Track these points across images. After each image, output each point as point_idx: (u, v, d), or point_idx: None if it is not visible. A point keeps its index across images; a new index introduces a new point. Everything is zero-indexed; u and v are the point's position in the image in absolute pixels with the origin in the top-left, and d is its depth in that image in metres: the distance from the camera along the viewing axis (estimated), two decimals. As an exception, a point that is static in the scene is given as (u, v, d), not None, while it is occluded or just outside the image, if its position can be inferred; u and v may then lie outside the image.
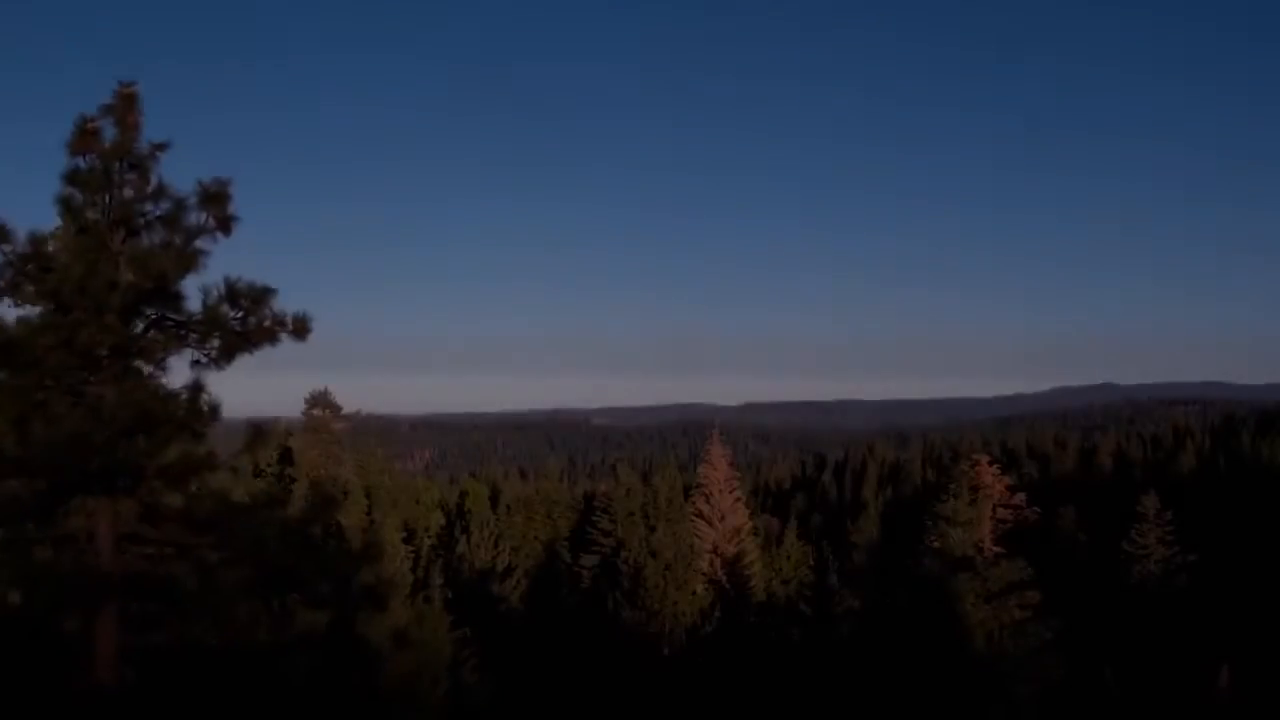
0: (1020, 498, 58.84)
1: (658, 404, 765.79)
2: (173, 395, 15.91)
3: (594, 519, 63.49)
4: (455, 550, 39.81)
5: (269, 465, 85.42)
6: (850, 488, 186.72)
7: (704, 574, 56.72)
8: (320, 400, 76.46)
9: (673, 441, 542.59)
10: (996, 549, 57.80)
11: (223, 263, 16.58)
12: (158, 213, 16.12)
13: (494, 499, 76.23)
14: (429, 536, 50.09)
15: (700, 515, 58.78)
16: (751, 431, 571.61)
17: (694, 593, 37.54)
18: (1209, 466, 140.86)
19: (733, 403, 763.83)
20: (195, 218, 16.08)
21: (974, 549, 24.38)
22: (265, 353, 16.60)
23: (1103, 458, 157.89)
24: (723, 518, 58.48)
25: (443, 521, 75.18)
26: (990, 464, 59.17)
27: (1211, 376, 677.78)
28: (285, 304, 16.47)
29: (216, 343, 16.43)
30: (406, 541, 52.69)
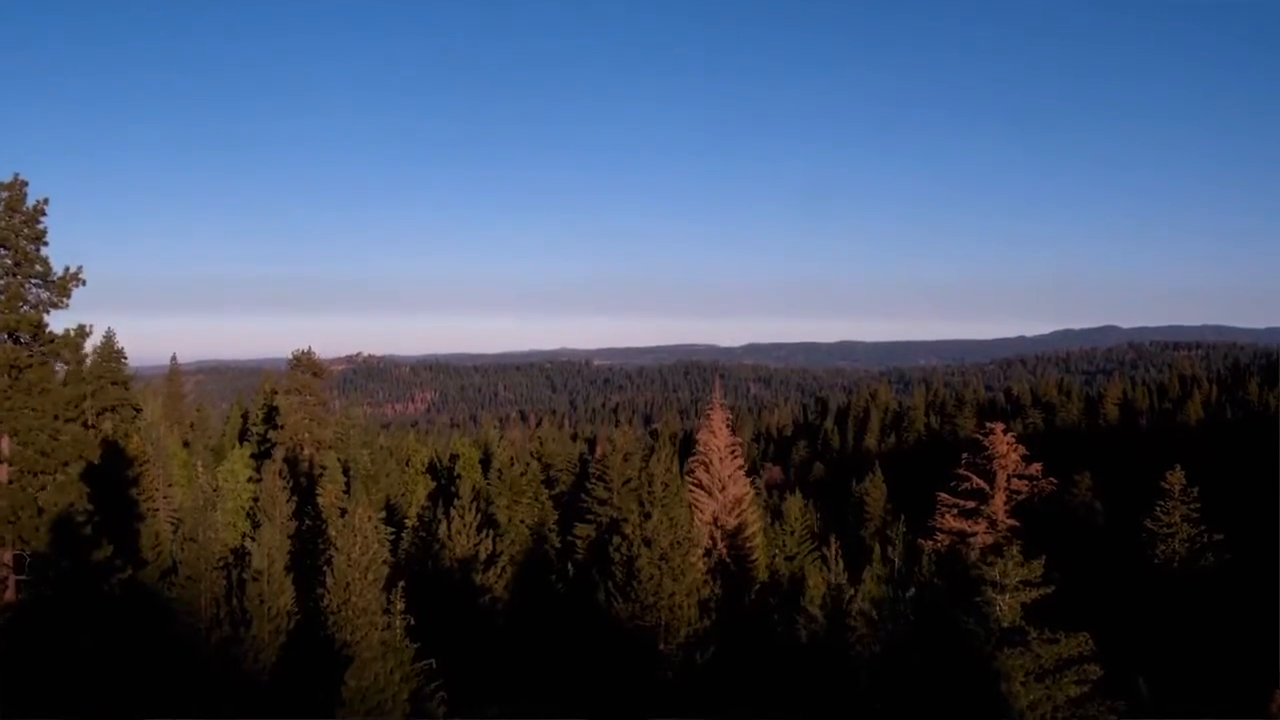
0: (1036, 467, 56.30)
1: (659, 345, 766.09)
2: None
3: (589, 486, 60.90)
4: (437, 533, 37.11)
5: (255, 425, 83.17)
6: (853, 435, 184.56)
7: (703, 547, 54.25)
8: (304, 362, 73.85)
9: (674, 384, 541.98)
10: (1010, 522, 55.50)
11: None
12: None
13: (486, 462, 73.83)
14: (413, 510, 47.40)
15: (699, 485, 56.14)
16: (752, 374, 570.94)
17: (692, 583, 34.66)
18: (1217, 417, 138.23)
19: (734, 344, 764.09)
20: None
21: (1024, 619, 21.21)
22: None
23: (1109, 406, 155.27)
24: (723, 488, 55.85)
25: (432, 485, 72.96)
26: (1005, 432, 56.55)
27: (1214, 320, 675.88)
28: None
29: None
30: (389, 520, 50.29)
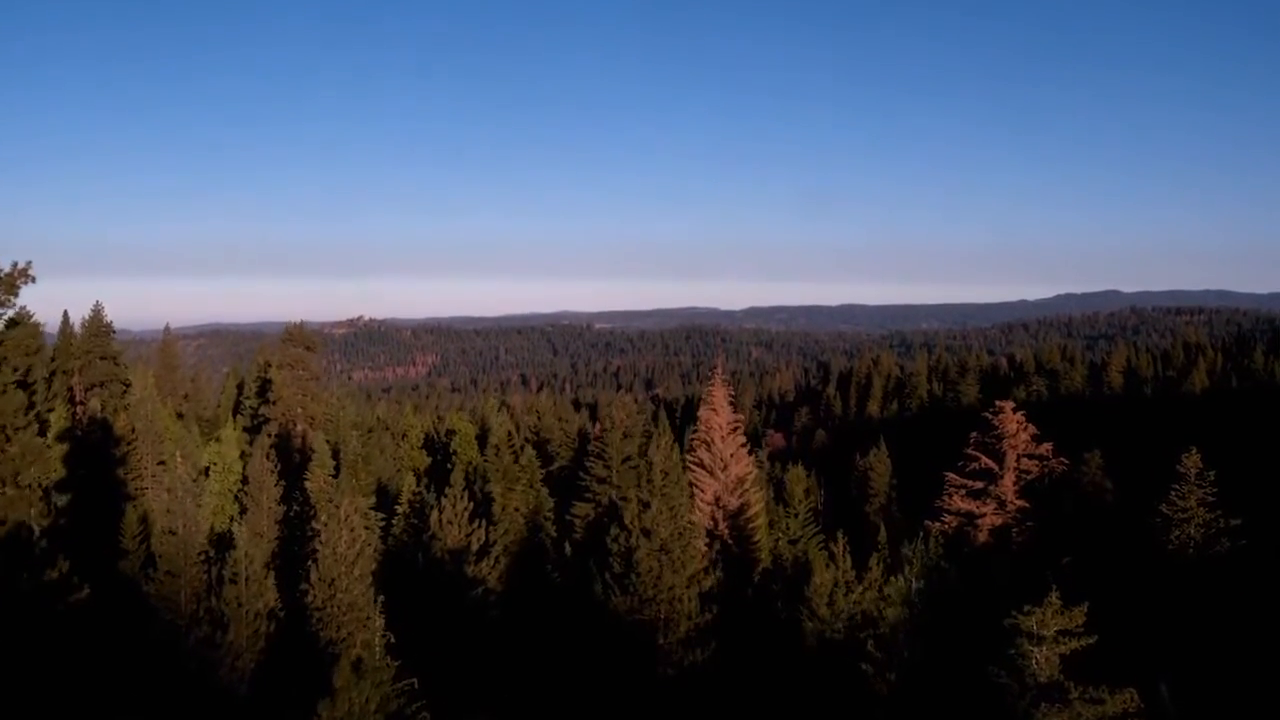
0: (1046, 447, 54.88)
1: (660, 308, 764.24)
2: None
3: (588, 465, 59.57)
4: (428, 521, 35.76)
5: (248, 399, 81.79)
6: (855, 402, 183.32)
7: (704, 528, 52.94)
8: (296, 336, 72.37)
9: (676, 348, 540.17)
10: (1020, 502, 54.17)
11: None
12: None
13: (482, 437, 72.41)
14: (406, 492, 46.01)
15: (700, 464, 54.67)
16: (754, 338, 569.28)
17: (693, 575, 33.38)
18: (1223, 386, 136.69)
19: (735, 307, 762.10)
20: None
21: (1063, 673, 19.45)
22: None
23: (1113, 374, 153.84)
24: (725, 467, 54.36)
25: (427, 462, 71.71)
26: (1015, 411, 55.12)
27: (1216, 284, 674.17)
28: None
29: None
30: (380, 503, 49.01)
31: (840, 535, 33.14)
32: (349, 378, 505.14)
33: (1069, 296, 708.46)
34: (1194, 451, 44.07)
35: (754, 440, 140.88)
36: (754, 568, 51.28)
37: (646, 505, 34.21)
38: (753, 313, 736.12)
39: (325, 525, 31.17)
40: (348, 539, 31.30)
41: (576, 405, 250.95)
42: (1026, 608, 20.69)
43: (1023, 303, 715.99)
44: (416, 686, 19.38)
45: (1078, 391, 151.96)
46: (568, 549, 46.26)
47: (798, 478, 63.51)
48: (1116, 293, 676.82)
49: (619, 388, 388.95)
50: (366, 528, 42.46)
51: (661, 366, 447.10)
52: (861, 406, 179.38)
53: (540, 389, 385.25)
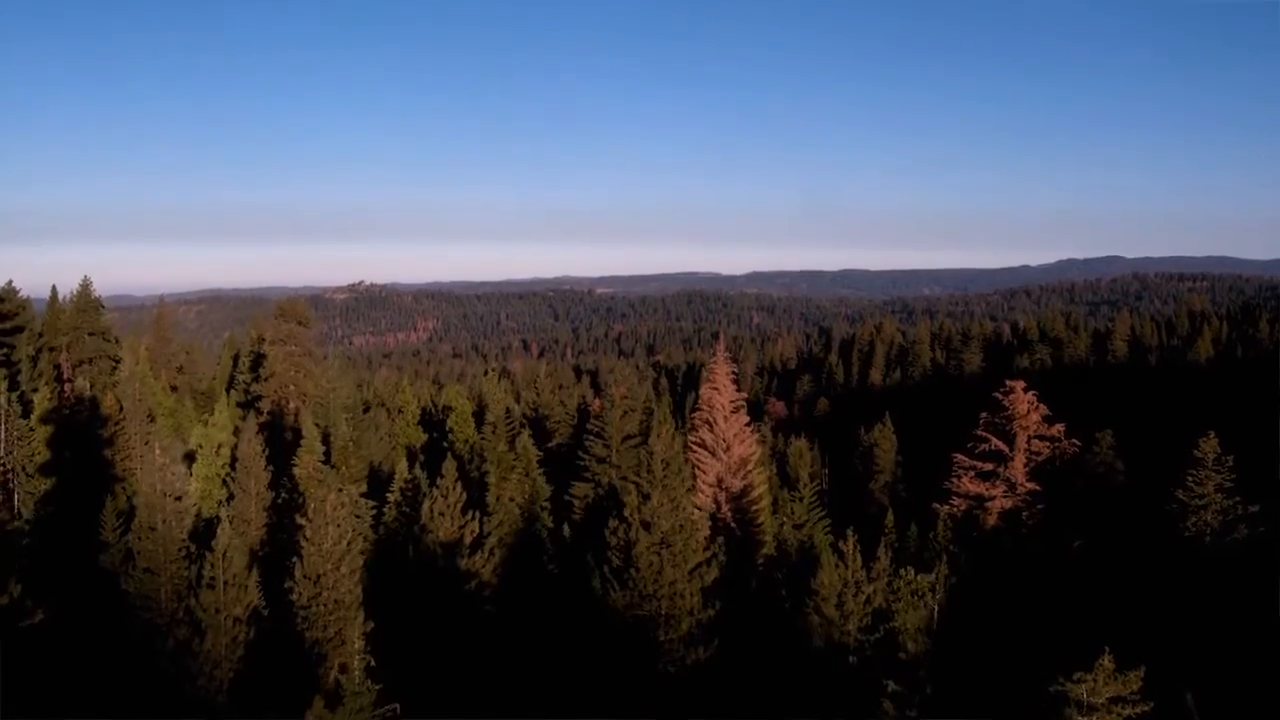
0: (1058, 428, 53.41)
1: (662, 273, 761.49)
2: None
3: (587, 444, 58.23)
4: (419, 512, 34.45)
5: (242, 374, 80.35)
6: (858, 370, 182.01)
7: (707, 511, 51.68)
8: (289, 311, 70.83)
9: (677, 313, 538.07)
10: (1030, 485, 52.79)
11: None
12: None
13: (480, 415, 71.08)
14: (400, 476, 44.65)
15: (702, 445, 53.30)
16: (755, 303, 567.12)
17: (695, 569, 32.11)
18: (1228, 355, 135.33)
19: (737, 272, 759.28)
20: None
21: None
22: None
23: (1117, 342, 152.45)
24: (728, 447, 52.97)
25: (424, 439, 70.33)
26: (1026, 391, 53.65)
27: (1219, 251, 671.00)
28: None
29: None
30: (372, 489, 47.64)
31: (850, 534, 31.61)
32: (350, 343, 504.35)
33: (1071, 262, 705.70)
34: (1211, 435, 42.75)
35: (756, 409, 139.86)
36: (757, 551, 50.10)
37: (647, 497, 32.82)
38: (755, 277, 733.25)
39: (310, 521, 29.85)
40: (334, 535, 30.00)
41: (578, 372, 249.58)
42: (1076, 675, 18.95)
43: (1025, 268, 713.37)
44: (399, 713, 18.09)
45: (1082, 360, 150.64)
46: (566, 530, 45.02)
47: (800, 453, 62.57)
48: (1119, 258, 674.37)
49: (620, 353, 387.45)
50: (357, 516, 41.20)
51: (663, 331, 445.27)
52: (864, 374, 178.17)
53: (541, 355, 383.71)
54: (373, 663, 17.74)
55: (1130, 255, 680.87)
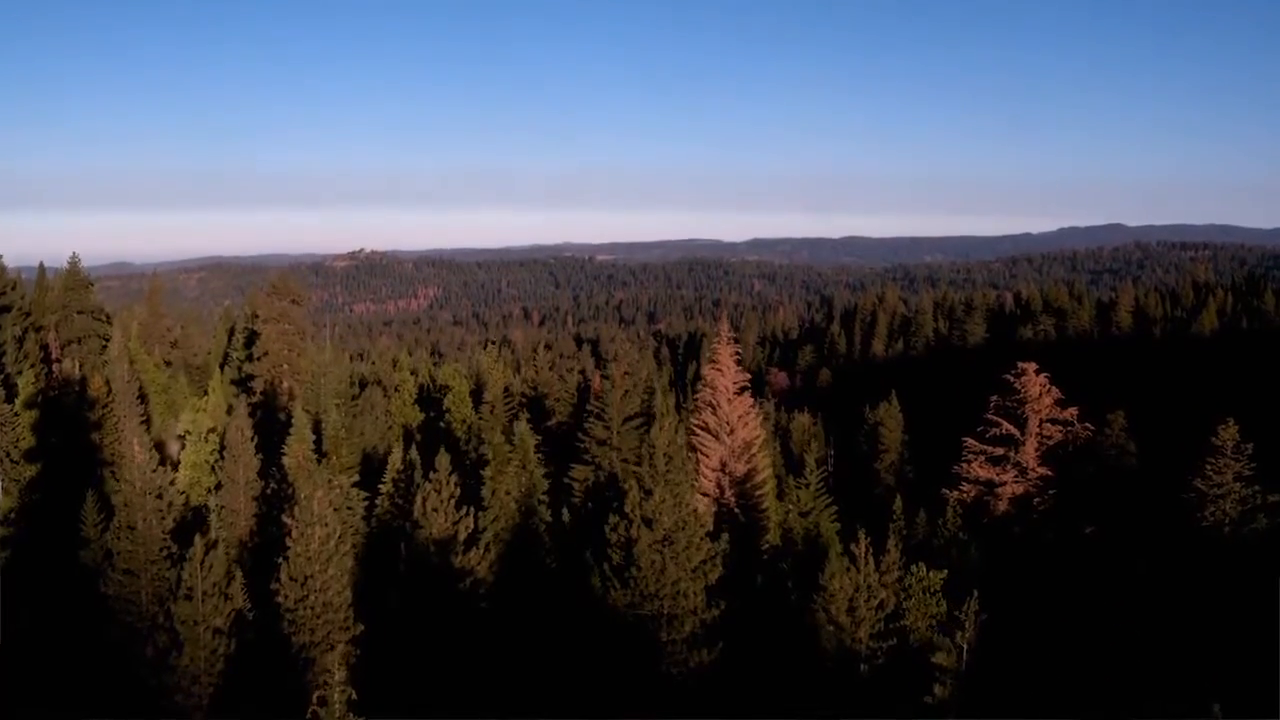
0: (1071, 412, 52.11)
1: (663, 240, 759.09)
2: None
3: (587, 425, 56.92)
4: (412, 507, 33.18)
5: (236, 351, 78.97)
6: (860, 340, 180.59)
7: (710, 496, 50.49)
8: (282, 289, 69.37)
9: (678, 280, 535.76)
10: (1042, 470, 51.54)
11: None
12: None
13: (478, 393, 69.69)
14: (394, 464, 43.37)
15: (705, 428, 51.92)
16: (756, 270, 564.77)
17: (699, 566, 30.90)
18: (1233, 327, 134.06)
19: (738, 239, 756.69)
20: None
21: None
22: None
23: (1121, 313, 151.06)
24: (732, 431, 51.59)
25: (420, 418, 68.93)
26: (1038, 374, 52.29)
27: (1220, 219, 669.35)
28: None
29: None
30: (365, 478, 46.35)
31: (862, 536, 30.30)
32: (350, 310, 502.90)
33: (1072, 230, 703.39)
34: (1231, 423, 41.47)
35: (758, 380, 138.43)
36: (761, 538, 48.90)
37: (648, 493, 31.52)
38: (755, 244, 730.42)
39: (297, 520, 28.56)
40: (321, 535, 28.72)
41: (578, 341, 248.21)
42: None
43: (1026, 235, 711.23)
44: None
45: (1085, 331, 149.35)
46: (565, 516, 43.79)
47: (803, 427, 61.12)
48: (1120, 226, 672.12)
49: (621, 321, 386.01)
50: (349, 508, 39.96)
51: (664, 299, 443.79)
52: (866, 345, 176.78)
53: (542, 323, 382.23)
54: (354, 695, 16.56)
55: (1131, 223, 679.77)
